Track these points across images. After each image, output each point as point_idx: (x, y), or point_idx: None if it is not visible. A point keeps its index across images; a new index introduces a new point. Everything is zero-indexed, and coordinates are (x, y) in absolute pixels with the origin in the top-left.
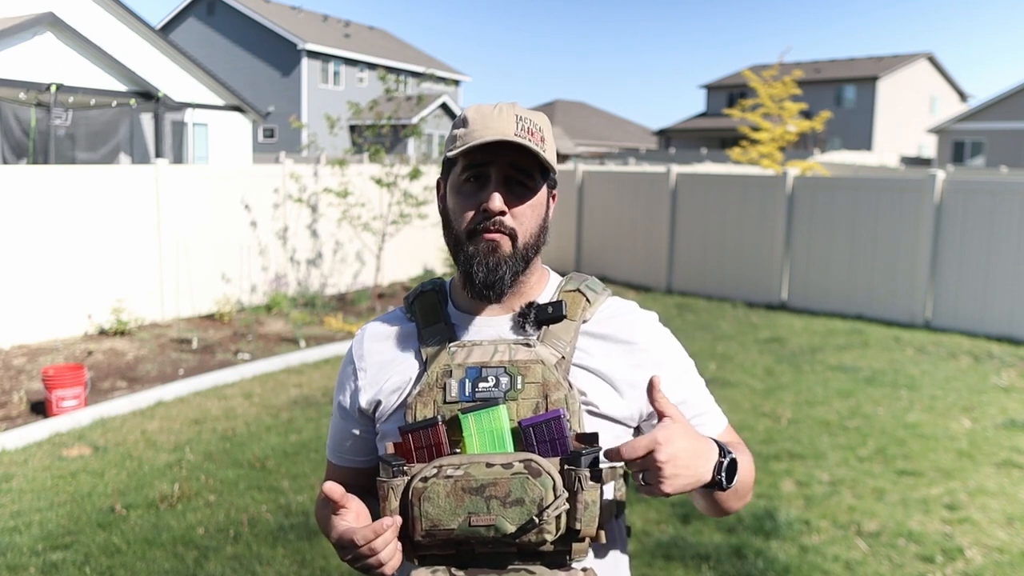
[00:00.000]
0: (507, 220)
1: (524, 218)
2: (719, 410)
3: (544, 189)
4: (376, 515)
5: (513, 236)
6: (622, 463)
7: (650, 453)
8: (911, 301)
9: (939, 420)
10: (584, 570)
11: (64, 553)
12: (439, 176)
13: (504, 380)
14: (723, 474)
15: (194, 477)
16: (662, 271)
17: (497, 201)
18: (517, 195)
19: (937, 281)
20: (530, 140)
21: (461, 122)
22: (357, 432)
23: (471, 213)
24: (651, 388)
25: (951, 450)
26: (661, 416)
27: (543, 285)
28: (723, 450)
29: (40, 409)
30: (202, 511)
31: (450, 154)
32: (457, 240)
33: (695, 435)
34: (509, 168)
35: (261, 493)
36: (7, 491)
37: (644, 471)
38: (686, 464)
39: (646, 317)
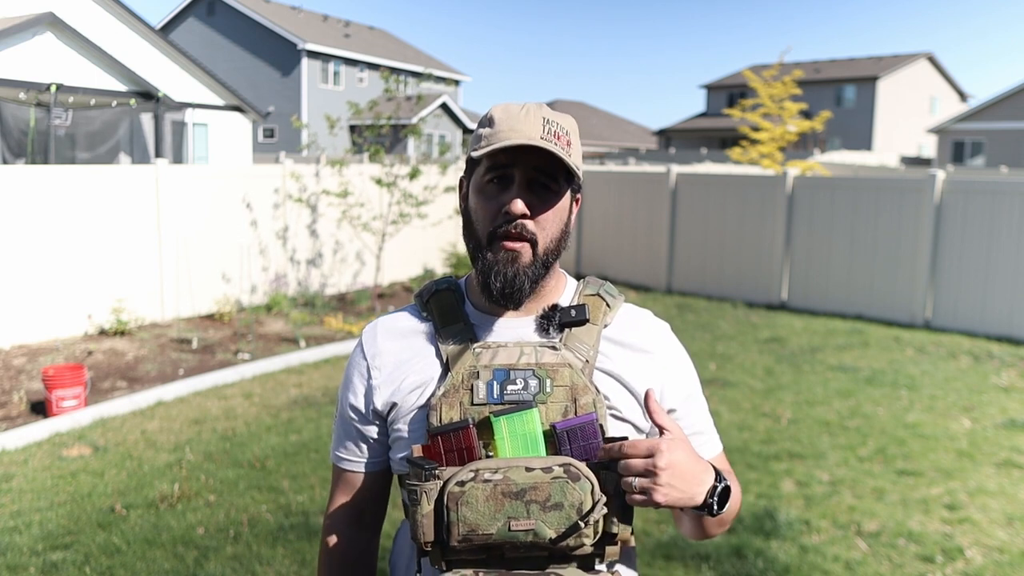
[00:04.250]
0: (529, 225)
1: (547, 223)
2: (717, 437)
3: (567, 194)
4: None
5: (534, 242)
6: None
7: (650, 456)
8: (911, 301)
9: (939, 420)
10: (612, 572)
11: (64, 553)
12: (462, 175)
13: (533, 383)
14: (715, 498)
15: (194, 477)
16: (662, 271)
17: (519, 205)
18: (541, 199)
19: (937, 281)
20: (556, 144)
21: (487, 121)
22: (373, 434)
23: (493, 215)
24: (647, 400)
25: (951, 450)
26: (661, 431)
27: (561, 288)
28: (719, 475)
29: (40, 409)
30: (202, 511)
31: (475, 154)
32: (477, 242)
33: (695, 454)
34: (533, 171)
35: (261, 493)
36: (7, 491)
37: (639, 476)
38: (682, 477)
39: (662, 328)
